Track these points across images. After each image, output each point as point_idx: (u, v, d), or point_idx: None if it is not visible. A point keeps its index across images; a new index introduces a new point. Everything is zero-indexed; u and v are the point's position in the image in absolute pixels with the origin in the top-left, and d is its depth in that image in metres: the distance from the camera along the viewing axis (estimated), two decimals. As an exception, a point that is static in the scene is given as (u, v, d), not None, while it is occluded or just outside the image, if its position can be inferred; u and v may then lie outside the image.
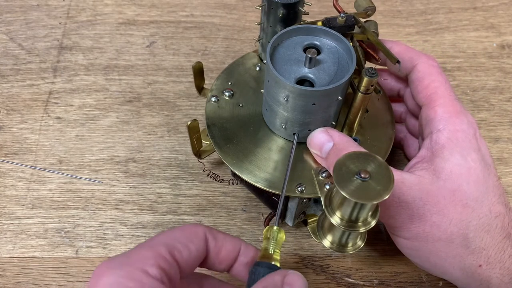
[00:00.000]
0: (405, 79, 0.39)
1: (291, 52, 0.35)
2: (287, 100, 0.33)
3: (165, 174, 0.45)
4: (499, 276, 0.32)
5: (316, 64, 0.34)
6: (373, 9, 0.38)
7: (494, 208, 0.32)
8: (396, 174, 0.31)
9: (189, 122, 0.37)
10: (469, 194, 0.32)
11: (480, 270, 0.32)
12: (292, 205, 0.37)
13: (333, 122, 0.36)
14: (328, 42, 0.36)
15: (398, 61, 0.36)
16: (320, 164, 0.35)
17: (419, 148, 0.36)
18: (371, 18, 0.39)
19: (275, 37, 0.34)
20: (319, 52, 0.35)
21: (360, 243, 0.34)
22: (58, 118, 0.48)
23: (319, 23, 0.36)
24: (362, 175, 0.27)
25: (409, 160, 0.42)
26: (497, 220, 0.32)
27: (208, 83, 0.44)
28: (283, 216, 0.40)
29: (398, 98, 0.42)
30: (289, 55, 0.35)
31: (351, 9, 0.39)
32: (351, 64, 0.33)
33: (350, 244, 0.34)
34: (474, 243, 0.31)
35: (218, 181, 0.44)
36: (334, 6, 0.38)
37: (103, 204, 0.43)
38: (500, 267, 0.31)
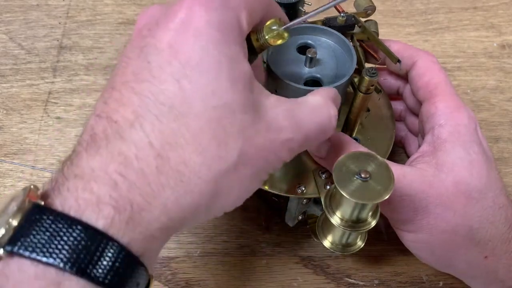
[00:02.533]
0: (404, 77, 0.39)
1: (287, 55, 0.35)
2: None
3: (165, 174, 0.45)
4: (506, 267, 0.32)
5: (317, 63, 0.34)
6: (373, 9, 0.38)
7: (498, 199, 0.32)
8: (397, 168, 0.31)
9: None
10: (473, 186, 0.32)
11: (486, 261, 0.32)
12: (292, 205, 0.37)
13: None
14: (320, 39, 0.36)
15: (398, 61, 0.36)
16: (320, 164, 0.35)
17: (419, 145, 0.36)
18: (371, 17, 0.39)
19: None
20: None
21: (360, 243, 0.34)
22: (58, 118, 0.48)
23: (319, 23, 0.36)
24: (362, 175, 0.27)
25: (410, 159, 0.42)
26: (501, 211, 0.32)
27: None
28: (282, 217, 0.40)
29: (397, 96, 0.42)
30: (286, 58, 0.35)
31: (351, 9, 0.39)
32: (350, 54, 0.33)
33: (350, 244, 0.34)
34: (479, 234, 0.31)
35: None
36: (334, 6, 0.38)
37: (103, 204, 0.43)
38: (507, 257, 0.32)
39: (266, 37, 0.27)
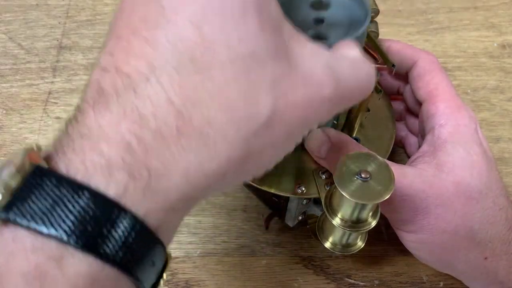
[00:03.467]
0: (404, 77, 0.39)
1: (297, 12, 0.31)
2: None
3: (164, 174, 0.44)
4: (506, 268, 0.32)
5: (327, 21, 0.31)
6: (376, 12, 0.38)
7: (498, 200, 0.32)
8: (397, 168, 0.31)
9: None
10: (473, 186, 0.32)
11: (485, 262, 0.32)
12: (292, 206, 0.37)
13: (334, 121, 0.36)
14: None
15: (393, 65, 0.36)
16: (320, 164, 0.35)
17: (419, 145, 0.36)
18: (372, 18, 0.39)
19: None
20: (327, 7, 0.31)
21: (360, 244, 0.34)
22: (58, 118, 0.48)
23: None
24: (363, 175, 0.27)
25: (410, 159, 0.42)
26: (501, 212, 0.32)
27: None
28: (283, 217, 0.40)
29: (397, 95, 0.42)
30: (295, 15, 0.31)
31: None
32: (364, 14, 0.30)
33: (350, 245, 0.34)
34: (480, 235, 0.31)
35: (218, 181, 0.44)
36: None
37: (103, 204, 0.42)
38: (507, 258, 0.32)
39: None
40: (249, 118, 0.20)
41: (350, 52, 0.25)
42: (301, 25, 0.30)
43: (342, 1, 0.31)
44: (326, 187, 0.33)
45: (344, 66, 0.23)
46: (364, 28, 0.28)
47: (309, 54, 0.22)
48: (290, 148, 0.23)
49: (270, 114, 0.20)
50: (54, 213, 0.17)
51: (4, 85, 0.50)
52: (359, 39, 0.27)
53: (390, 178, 0.27)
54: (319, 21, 0.30)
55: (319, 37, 0.30)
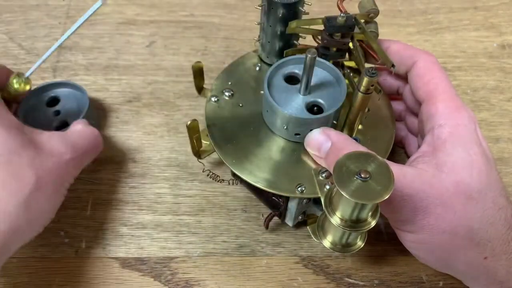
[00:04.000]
0: (404, 77, 0.39)
1: (41, 114, 0.42)
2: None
3: (165, 174, 0.45)
4: (505, 268, 0.32)
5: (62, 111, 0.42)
6: (376, 12, 0.38)
7: (498, 200, 0.32)
8: (397, 168, 0.31)
9: (188, 122, 0.37)
10: (473, 186, 0.32)
11: (485, 262, 0.32)
12: (292, 205, 0.37)
13: (334, 122, 0.36)
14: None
15: (393, 65, 0.36)
16: (320, 164, 0.35)
17: (419, 145, 0.36)
18: (372, 18, 0.39)
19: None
20: (58, 102, 0.43)
21: (360, 243, 0.34)
22: (58, 118, 0.48)
23: (319, 21, 0.36)
24: (362, 175, 0.27)
25: (410, 159, 0.42)
26: (501, 212, 0.32)
27: (208, 83, 0.44)
28: (283, 217, 0.40)
29: (397, 96, 0.42)
30: (40, 117, 0.42)
31: (354, 10, 0.39)
32: (86, 101, 0.42)
33: (350, 244, 0.34)
34: (479, 235, 0.31)
35: (218, 181, 0.44)
36: (338, 6, 0.38)
37: (103, 204, 0.43)
38: (506, 258, 0.32)
39: (16, 87, 0.39)
40: (21, 189, 0.32)
41: (77, 126, 0.39)
42: (46, 121, 0.43)
43: (68, 95, 0.45)
44: (326, 187, 0.34)
45: (74, 136, 0.38)
46: (85, 111, 0.42)
47: (47, 138, 0.36)
48: (61, 197, 0.36)
49: (35, 182, 0.33)
50: None
51: (4, 85, 0.50)
52: (86, 117, 0.41)
53: (390, 178, 0.27)
54: (57, 112, 0.44)
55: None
